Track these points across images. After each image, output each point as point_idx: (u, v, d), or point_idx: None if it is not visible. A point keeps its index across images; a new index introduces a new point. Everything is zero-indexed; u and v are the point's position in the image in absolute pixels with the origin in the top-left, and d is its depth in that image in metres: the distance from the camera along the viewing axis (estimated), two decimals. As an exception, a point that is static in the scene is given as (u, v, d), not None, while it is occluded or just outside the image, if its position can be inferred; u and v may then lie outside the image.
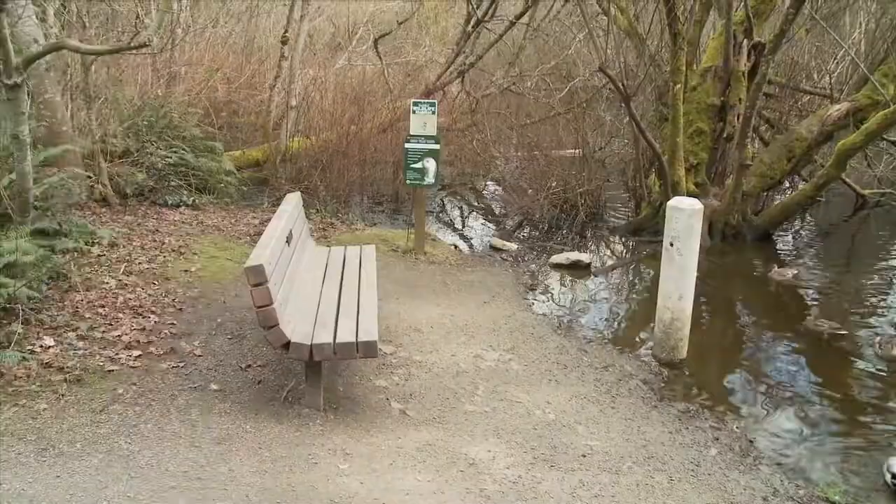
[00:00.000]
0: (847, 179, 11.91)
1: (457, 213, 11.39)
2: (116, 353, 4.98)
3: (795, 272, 8.52)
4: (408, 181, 7.97)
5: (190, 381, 4.79)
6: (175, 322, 5.65)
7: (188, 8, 11.86)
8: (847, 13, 13.05)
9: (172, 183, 8.93)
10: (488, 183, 12.91)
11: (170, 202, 8.76)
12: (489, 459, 4.16)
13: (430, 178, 7.88)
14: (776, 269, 8.53)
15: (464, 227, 10.58)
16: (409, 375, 5.18)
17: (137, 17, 9.71)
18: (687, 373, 5.74)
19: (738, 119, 9.77)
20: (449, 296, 6.96)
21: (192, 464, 3.85)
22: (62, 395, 4.39)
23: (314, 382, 4.51)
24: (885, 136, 10.90)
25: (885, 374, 5.98)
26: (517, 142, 12.59)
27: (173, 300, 6.06)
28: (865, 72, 10.28)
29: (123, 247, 6.98)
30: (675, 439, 4.63)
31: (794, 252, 10.09)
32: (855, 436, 5.01)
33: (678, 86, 9.11)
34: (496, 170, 12.66)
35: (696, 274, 5.68)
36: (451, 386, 5.08)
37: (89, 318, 5.39)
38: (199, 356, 5.16)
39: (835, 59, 12.98)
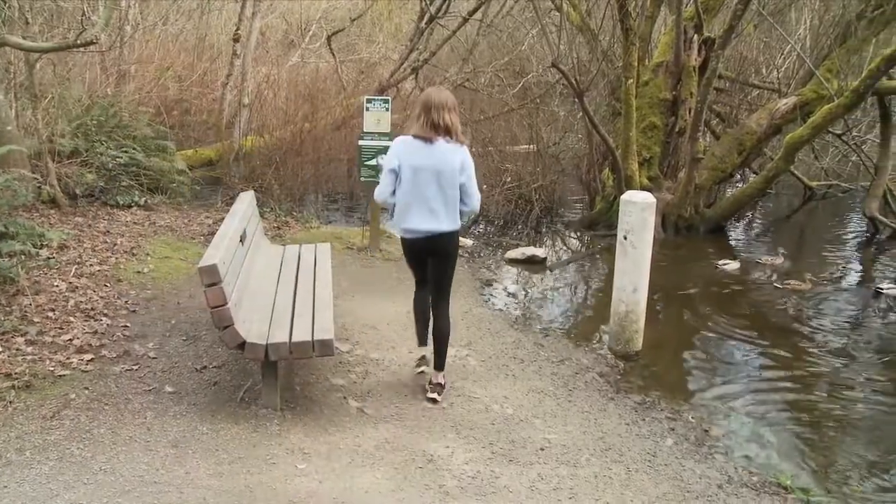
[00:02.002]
0: (795, 172, 12.17)
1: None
2: (67, 358, 4.88)
3: (738, 265, 8.70)
4: (362, 178, 7.94)
5: (144, 383, 4.72)
6: (128, 324, 5.56)
7: (136, 5, 11.65)
8: (792, 9, 13.30)
9: (123, 183, 8.78)
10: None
11: (121, 203, 8.61)
12: (448, 455, 4.17)
13: (384, 176, 7.83)
14: (720, 262, 8.72)
15: (419, 223, 10.56)
16: (367, 373, 5.16)
17: (83, 13, 9.52)
18: (642, 365, 5.81)
19: (689, 113, 9.92)
20: (405, 293, 6.92)
21: (148, 467, 3.80)
22: (10, 403, 4.29)
23: (271, 382, 4.48)
24: (830, 130, 11.15)
25: (838, 362, 6.12)
26: (471, 138, 12.58)
27: (126, 302, 5.96)
28: (811, 67, 10.49)
29: (74, 248, 6.85)
30: (632, 431, 4.68)
31: (746, 243, 10.27)
32: (806, 422, 5.11)
33: (630, 81, 9.21)
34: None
35: (649, 267, 5.75)
36: (408, 383, 5.07)
37: (38, 322, 5.29)
38: (154, 358, 5.09)
39: (782, 54, 13.24)
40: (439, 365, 4.89)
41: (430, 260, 4.79)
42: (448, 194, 4.54)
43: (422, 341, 5.09)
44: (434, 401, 4.77)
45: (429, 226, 4.58)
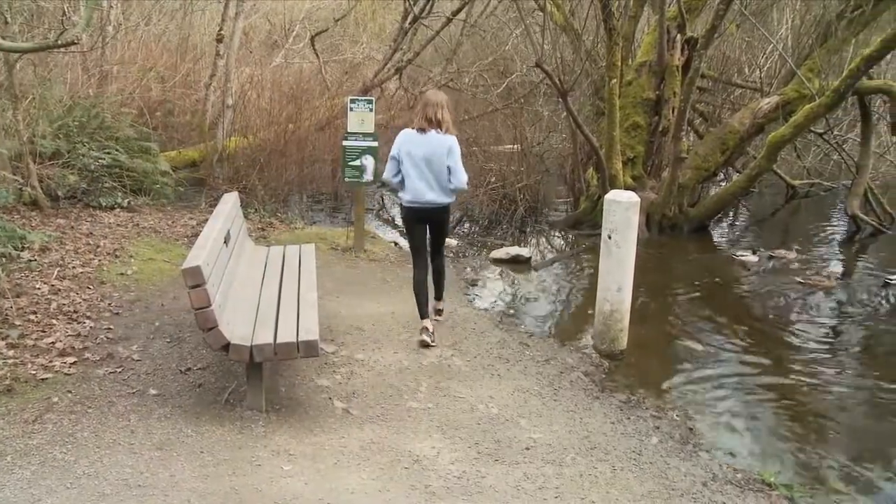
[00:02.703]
0: (778, 171, 12.25)
1: (396, 210, 11.35)
2: (50, 361, 4.85)
3: (757, 258, 8.88)
4: (346, 179, 7.93)
5: (128, 386, 4.70)
6: (112, 327, 5.53)
7: (119, 5, 11.57)
8: (774, 9, 13.38)
9: (106, 184, 8.72)
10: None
11: (104, 204, 8.55)
12: (433, 455, 4.17)
13: (368, 176, 7.85)
14: (738, 254, 8.92)
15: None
16: (352, 374, 5.15)
17: (64, 13, 9.44)
18: (627, 364, 5.83)
19: (672, 113, 9.96)
20: (390, 293, 6.95)
21: (132, 471, 3.78)
22: (-8, 406, 4.26)
23: (255, 384, 4.46)
24: (812, 129, 11.23)
25: (820, 362, 6.16)
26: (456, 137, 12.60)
27: (109, 304, 5.93)
28: (792, 66, 10.57)
29: (56, 251, 6.80)
30: (617, 429, 4.70)
31: (730, 242, 10.33)
32: (790, 419, 5.15)
33: (614, 80, 9.24)
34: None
35: (634, 266, 5.77)
36: (393, 383, 5.07)
37: (20, 325, 5.24)
38: (138, 361, 5.06)
39: (764, 53, 13.32)
40: (438, 295, 6.24)
41: (429, 226, 5.93)
42: (439, 174, 5.64)
43: (423, 314, 5.88)
44: (426, 344, 5.71)
45: (426, 198, 5.69)
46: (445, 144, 5.58)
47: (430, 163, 5.60)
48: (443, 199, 5.73)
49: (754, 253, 9.26)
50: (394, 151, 5.72)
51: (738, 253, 9.33)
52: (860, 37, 10.77)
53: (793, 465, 4.55)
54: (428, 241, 6.00)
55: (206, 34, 14.71)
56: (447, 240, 8.80)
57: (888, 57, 10.49)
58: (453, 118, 5.91)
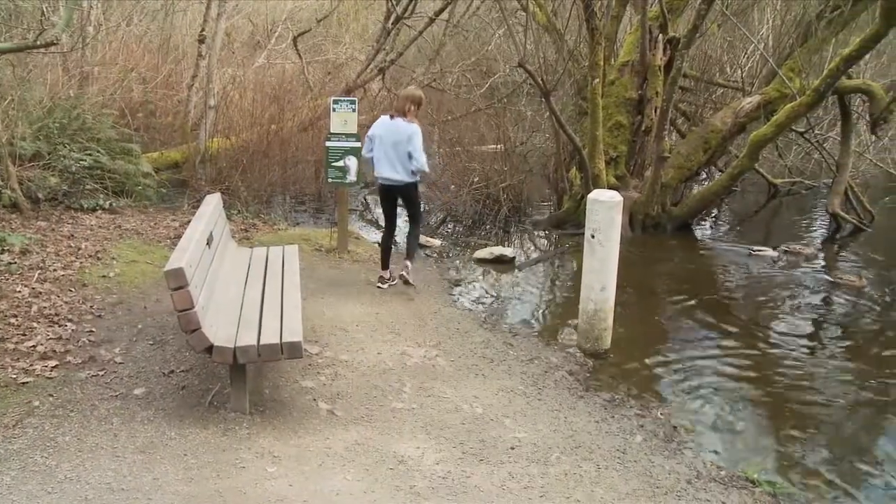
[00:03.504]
0: (760, 169, 12.33)
1: (380, 211, 11.30)
2: (31, 365, 4.81)
3: (776, 253, 9.22)
4: (329, 180, 7.91)
5: (111, 389, 4.67)
6: (94, 329, 5.49)
7: (99, 5, 11.49)
8: (755, 9, 13.46)
9: (88, 186, 8.66)
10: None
11: (85, 206, 8.48)
12: (418, 456, 4.17)
13: (351, 177, 7.83)
14: (755, 248, 9.32)
15: (388, 224, 10.56)
16: (336, 375, 5.14)
17: (43, 13, 9.37)
18: (611, 362, 5.85)
19: (655, 112, 10.00)
20: (373, 294, 6.94)
21: (115, 474, 3.75)
22: (-28, 411, 4.22)
23: (239, 386, 4.45)
24: (793, 128, 11.31)
25: (802, 358, 6.21)
26: (439, 138, 12.62)
27: (91, 307, 5.89)
28: (773, 66, 10.64)
29: (37, 253, 6.75)
30: (602, 428, 4.71)
31: (713, 240, 10.38)
32: (774, 416, 5.19)
33: (596, 80, 9.27)
34: (419, 167, 12.65)
35: (617, 265, 5.79)
36: (378, 384, 5.06)
37: (0, 329, 5.20)
38: (120, 363, 5.02)
39: (745, 53, 13.39)
40: (407, 255, 7.18)
41: (400, 200, 7.04)
42: (402, 157, 6.66)
43: (384, 266, 7.17)
44: (380, 286, 7.04)
45: (389, 175, 6.77)
46: (408, 132, 6.60)
47: (395, 146, 6.64)
48: (404, 178, 6.74)
49: (774, 249, 9.33)
50: (370, 132, 6.85)
51: (755, 248, 9.40)
52: (840, 37, 10.87)
53: (776, 462, 4.58)
54: (402, 213, 7.28)
55: (187, 35, 14.65)
56: (432, 240, 8.88)
57: (867, 57, 10.58)
58: (421, 112, 7.04)
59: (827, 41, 10.72)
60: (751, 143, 9.73)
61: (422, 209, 7.41)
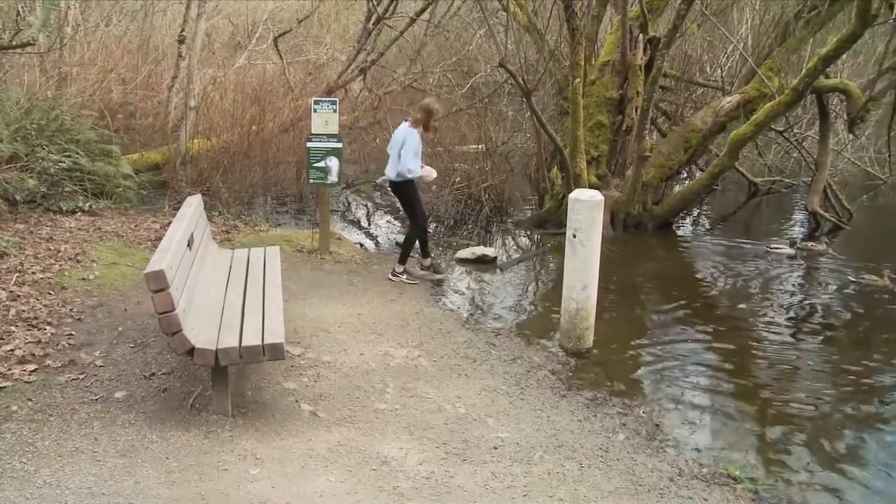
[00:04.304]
0: (740, 168, 12.41)
1: (362, 211, 11.35)
2: (9, 369, 4.76)
3: (794, 251, 9.26)
4: (311, 180, 7.89)
5: (91, 393, 4.63)
6: (73, 333, 5.45)
7: (77, 5, 11.40)
8: (734, 9, 13.55)
9: (67, 188, 8.58)
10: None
11: (65, 208, 8.41)
12: (401, 457, 4.17)
13: (333, 177, 7.82)
14: (772, 245, 9.42)
15: (369, 225, 10.57)
16: (319, 376, 5.13)
17: (18, 13, 9.28)
18: (594, 361, 5.87)
19: (636, 112, 10.04)
20: (356, 294, 6.93)
21: (95, 479, 3.72)
22: (-51, 416, 4.18)
23: (221, 388, 4.43)
24: (772, 127, 11.39)
25: (784, 356, 6.25)
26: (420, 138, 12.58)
27: (71, 310, 5.84)
28: (753, 65, 10.71)
29: (15, 256, 6.68)
30: (584, 427, 4.73)
31: (694, 239, 10.44)
32: (755, 414, 5.22)
33: (577, 80, 9.29)
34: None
35: (599, 264, 5.81)
36: (360, 385, 5.06)
37: (-22, 332, 5.15)
38: (101, 367, 4.99)
39: (725, 53, 13.47)
40: (398, 259, 7.59)
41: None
42: (394, 156, 7.23)
43: (425, 255, 7.80)
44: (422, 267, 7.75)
45: (387, 173, 7.41)
46: (402, 136, 7.17)
47: (393, 147, 7.26)
48: (394, 177, 7.29)
49: (791, 246, 9.42)
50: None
51: (773, 245, 9.51)
52: (817, 36, 10.97)
53: (758, 458, 4.61)
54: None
55: (167, 35, 14.55)
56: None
57: (844, 56, 10.68)
58: (430, 120, 7.36)
59: (805, 41, 10.81)
60: (731, 142, 9.79)
61: (417, 210, 7.49)
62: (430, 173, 7.51)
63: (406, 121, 7.30)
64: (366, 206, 11.63)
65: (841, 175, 13.14)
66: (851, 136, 12.45)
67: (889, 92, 10.69)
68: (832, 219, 10.94)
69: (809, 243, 9.50)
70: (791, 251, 9.23)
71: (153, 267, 4.11)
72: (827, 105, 11.40)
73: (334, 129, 7.72)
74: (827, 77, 10.42)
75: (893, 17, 9.62)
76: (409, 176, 7.21)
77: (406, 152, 7.07)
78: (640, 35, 10.18)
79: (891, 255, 9.40)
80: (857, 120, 10.51)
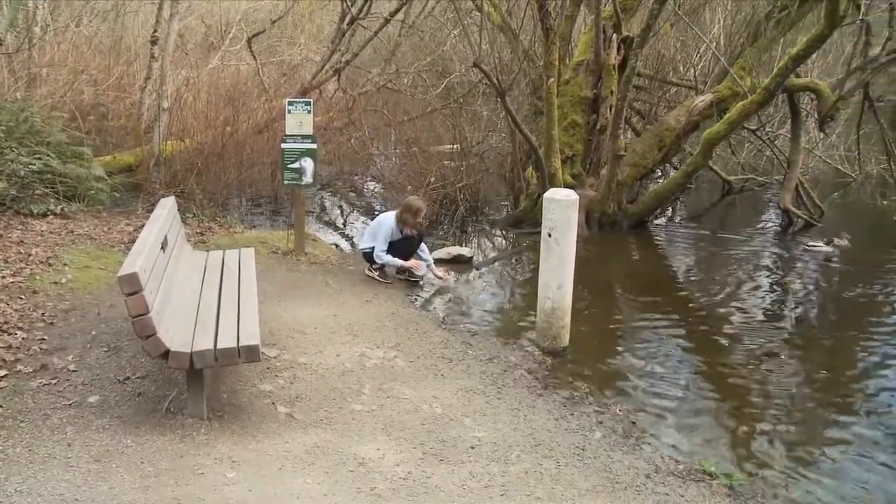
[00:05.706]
0: (714, 167, 12.52)
1: (337, 212, 11.32)
2: (-20, 374, 4.70)
3: (830, 249, 9.36)
4: (285, 181, 7.86)
5: (64, 398, 4.58)
6: (46, 337, 5.38)
7: (45, 5, 11.28)
8: (707, 9, 13.67)
9: (38, 191, 8.47)
10: (368, 181, 12.87)
11: (35, 211, 8.30)
12: (378, 458, 4.16)
13: (308, 178, 7.79)
14: (810, 243, 9.57)
15: (345, 226, 10.54)
16: (295, 378, 5.11)
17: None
18: (570, 360, 5.90)
19: (610, 111, 10.09)
20: (331, 295, 6.91)
21: (69, 485, 3.68)
22: (-80, 422, 4.11)
23: (196, 391, 4.40)
24: (745, 125, 11.50)
25: (759, 351, 6.32)
26: (395, 139, 12.61)
27: (43, 314, 5.77)
28: (725, 65, 10.81)
29: (-15, 260, 6.60)
30: (561, 425, 4.75)
31: (669, 237, 10.51)
32: (731, 410, 5.27)
33: (552, 80, 9.32)
34: (375, 167, 12.65)
35: (574, 263, 5.84)
36: (337, 386, 5.04)
37: (-51, 337, 5.08)
38: (74, 371, 4.93)
39: (698, 52, 13.59)
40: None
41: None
42: (371, 234, 7.62)
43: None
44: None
45: (364, 243, 7.64)
46: (382, 222, 7.58)
47: (373, 226, 7.68)
48: (367, 249, 7.59)
49: (827, 244, 9.51)
50: None
51: (810, 243, 9.63)
52: (788, 36, 11.10)
53: (733, 454, 4.66)
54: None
55: (139, 36, 14.43)
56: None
57: (814, 56, 10.81)
58: (416, 219, 7.57)
59: (776, 41, 10.94)
60: (704, 141, 9.87)
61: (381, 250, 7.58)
62: (418, 268, 7.63)
63: (396, 214, 7.53)
64: (340, 206, 11.60)
65: (812, 173, 13.30)
66: (822, 135, 12.61)
67: (858, 91, 10.83)
68: (804, 216, 11.06)
69: (836, 239, 9.61)
70: (829, 249, 9.33)
71: (126, 270, 4.07)
72: (798, 104, 11.54)
73: (309, 131, 7.69)
74: (798, 76, 10.55)
75: (861, 17, 9.75)
76: (379, 262, 7.49)
77: (378, 240, 7.42)
78: (614, 35, 10.24)
79: (860, 250, 9.51)
80: (827, 119, 10.64)
